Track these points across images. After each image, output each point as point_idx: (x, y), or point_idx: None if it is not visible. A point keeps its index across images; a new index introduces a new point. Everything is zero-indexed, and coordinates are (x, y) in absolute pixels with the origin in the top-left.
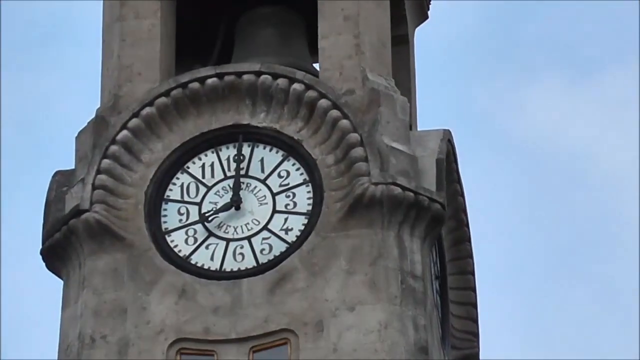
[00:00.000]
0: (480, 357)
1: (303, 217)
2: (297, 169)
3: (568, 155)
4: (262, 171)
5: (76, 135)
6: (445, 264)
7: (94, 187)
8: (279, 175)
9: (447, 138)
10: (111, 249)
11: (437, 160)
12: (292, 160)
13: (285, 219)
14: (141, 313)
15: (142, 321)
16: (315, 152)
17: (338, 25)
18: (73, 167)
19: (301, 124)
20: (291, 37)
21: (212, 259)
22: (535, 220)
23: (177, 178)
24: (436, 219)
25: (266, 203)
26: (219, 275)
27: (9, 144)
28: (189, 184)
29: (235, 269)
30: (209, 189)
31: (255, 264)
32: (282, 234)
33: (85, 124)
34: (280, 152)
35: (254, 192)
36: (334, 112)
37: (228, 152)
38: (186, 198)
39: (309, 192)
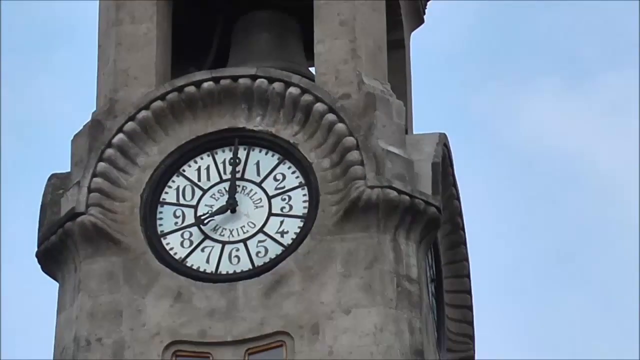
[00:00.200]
0: None
1: (299, 220)
2: (293, 172)
3: (564, 159)
4: (258, 174)
5: (72, 138)
6: (440, 267)
7: (90, 190)
8: (275, 179)
9: (442, 142)
10: (107, 251)
11: (432, 164)
12: (288, 164)
13: (281, 222)
14: (137, 316)
15: (137, 324)
16: (311, 155)
17: (334, 30)
18: (69, 170)
19: (297, 128)
20: (287, 41)
21: (207, 261)
22: (530, 223)
23: (173, 181)
24: (432, 222)
25: (262, 206)
26: (215, 278)
27: (5, 146)
28: (184, 187)
29: (231, 271)
30: (205, 192)
31: (251, 267)
32: (277, 236)
33: (81, 127)
34: (276, 156)
35: (250, 195)
36: (330, 116)
37: (224, 155)
38: (182, 201)
39: (304, 195)
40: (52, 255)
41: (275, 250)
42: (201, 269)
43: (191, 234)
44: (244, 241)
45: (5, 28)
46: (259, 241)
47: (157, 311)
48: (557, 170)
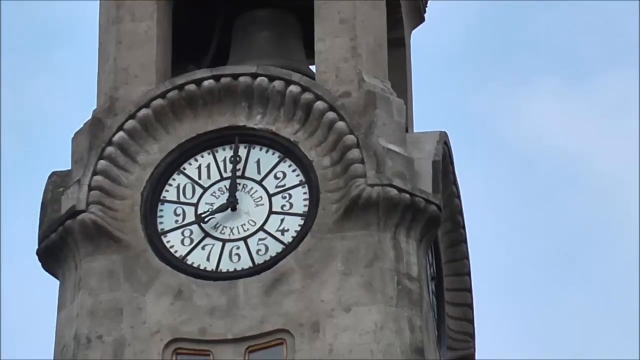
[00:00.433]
0: (476, 358)
1: (299, 218)
2: (294, 170)
3: (564, 158)
4: (259, 172)
5: (72, 136)
6: (441, 265)
7: (90, 188)
8: (275, 177)
9: (443, 140)
10: (107, 249)
11: (433, 162)
12: (289, 162)
13: (282, 220)
14: (137, 313)
15: (138, 321)
16: (311, 154)
17: (334, 28)
18: (69, 168)
19: (297, 126)
20: (287, 39)
21: (208, 259)
22: (531, 222)
23: (174, 179)
24: (432, 220)
25: (262, 204)
26: (215, 275)
27: (5, 144)
28: (185, 185)
29: (231, 269)
30: (205, 190)
31: (251, 265)
32: (278, 234)
33: (82, 125)
34: (277, 154)
35: (250, 193)
36: (330, 114)
37: (224, 153)
38: (182, 199)
39: (305, 193)
40: (53, 253)
41: (275, 248)
42: (202, 267)
43: (192, 232)
44: (245, 239)
45: (5, 28)
46: (260, 239)
47: (157, 309)
48: (557, 169)
